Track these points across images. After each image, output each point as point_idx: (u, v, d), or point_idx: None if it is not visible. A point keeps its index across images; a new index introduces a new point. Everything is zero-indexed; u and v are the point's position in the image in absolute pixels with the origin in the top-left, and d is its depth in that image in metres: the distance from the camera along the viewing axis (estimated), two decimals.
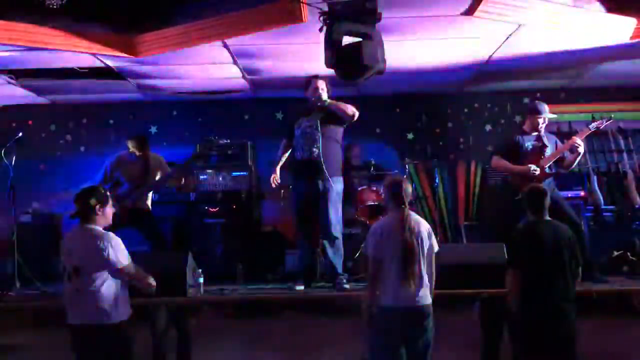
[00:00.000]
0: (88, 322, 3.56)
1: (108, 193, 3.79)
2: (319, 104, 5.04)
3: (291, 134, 5.24)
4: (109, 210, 3.72)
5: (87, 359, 3.62)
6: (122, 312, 3.63)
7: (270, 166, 5.41)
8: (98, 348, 3.56)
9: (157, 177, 5.68)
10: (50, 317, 4.66)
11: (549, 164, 5.24)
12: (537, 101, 5.61)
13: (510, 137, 5.45)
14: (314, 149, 4.97)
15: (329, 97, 5.10)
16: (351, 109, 5.05)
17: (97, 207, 3.64)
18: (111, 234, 3.64)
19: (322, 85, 5.07)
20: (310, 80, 5.13)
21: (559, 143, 5.38)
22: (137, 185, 5.57)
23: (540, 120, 5.30)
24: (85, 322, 3.57)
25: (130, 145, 5.72)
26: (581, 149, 5.18)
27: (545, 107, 5.36)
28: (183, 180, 5.75)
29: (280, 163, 5.37)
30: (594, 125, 5.30)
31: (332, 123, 5.09)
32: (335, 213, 5.04)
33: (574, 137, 5.24)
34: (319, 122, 5.01)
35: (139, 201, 5.57)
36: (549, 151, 5.27)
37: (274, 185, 5.33)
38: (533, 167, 5.15)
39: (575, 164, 5.31)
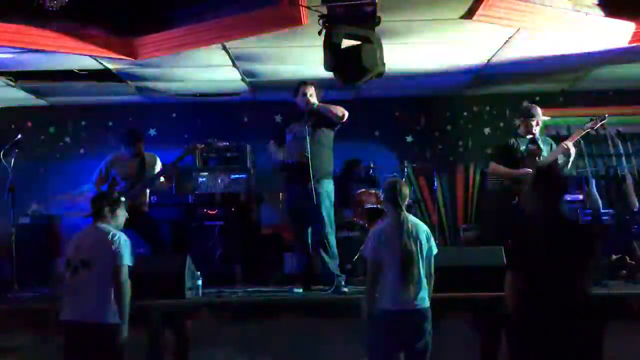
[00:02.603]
0: (85, 320, 3.58)
1: (122, 198, 3.90)
2: (308, 108, 5.09)
3: (282, 138, 5.28)
4: (121, 213, 3.85)
5: (79, 356, 3.62)
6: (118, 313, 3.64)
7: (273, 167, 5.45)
8: (91, 346, 3.57)
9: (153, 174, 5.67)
10: (48, 319, 4.65)
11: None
12: (530, 104, 5.64)
13: (505, 142, 5.47)
14: (305, 154, 5.01)
15: (318, 101, 5.15)
16: (340, 110, 5.12)
17: (107, 209, 3.78)
18: (122, 233, 3.76)
19: (310, 90, 5.13)
20: (298, 87, 5.18)
21: (554, 146, 5.39)
22: (133, 183, 5.57)
23: (534, 123, 5.32)
24: (82, 319, 3.59)
25: (124, 142, 5.73)
26: (572, 152, 5.20)
27: (538, 110, 5.38)
28: (174, 179, 5.72)
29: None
30: (587, 126, 5.32)
31: (323, 127, 5.17)
32: (327, 213, 5.07)
33: (564, 141, 5.27)
34: (309, 127, 5.06)
35: (136, 200, 5.55)
36: (544, 154, 5.29)
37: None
38: (529, 170, 5.16)
39: (568, 167, 5.32)
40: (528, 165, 5.21)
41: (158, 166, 5.74)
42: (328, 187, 5.14)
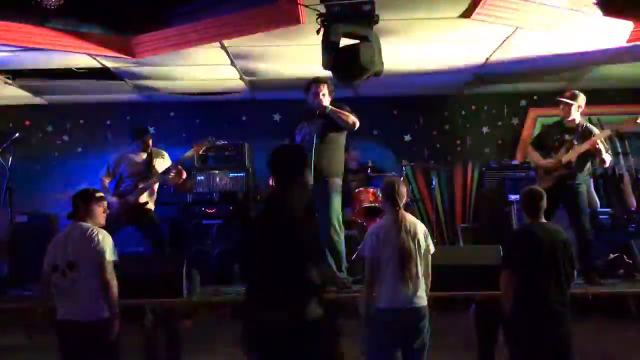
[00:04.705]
0: (79, 319, 3.59)
1: (98, 194, 3.84)
2: (319, 111, 4.99)
3: (293, 138, 5.21)
4: (98, 210, 3.80)
5: (75, 354, 3.63)
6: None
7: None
8: (87, 343, 3.59)
9: (160, 171, 5.63)
10: (45, 318, 4.66)
11: (569, 159, 5.08)
12: (574, 91, 5.32)
13: (545, 129, 5.39)
14: (313, 157, 4.92)
15: (332, 99, 5.06)
16: (352, 119, 4.92)
17: (83, 207, 3.75)
18: (103, 230, 3.73)
19: (323, 89, 4.94)
20: (310, 84, 5.06)
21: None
22: (140, 179, 5.53)
23: (574, 109, 5.10)
24: (76, 318, 3.60)
25: (131, 138, 5.71)
26: (602, 148, 4.99)
27: (581, 96, 5.15)
28: (184, 175, 5.67)
29: None
30: (621, 127, 5.21)
31: (334, 130, 5.00)
32: (335, 214, 5.01)
33: (594, 138, 5.05)
34: (319, 129, 4.97)
35: (141, 197, 5.52)
36: (576, 146, 5.08)
37: None
38: (552, 162, 5.11)
39: (607, 163, 5.10)
40: (556, 156, 5.11)
41: (167, 161, 5.71)
42: (337, 187, 5.02)
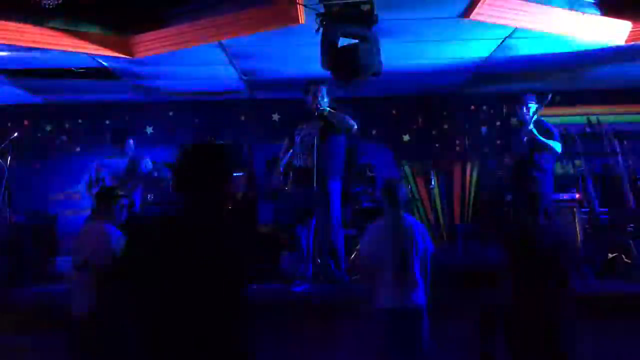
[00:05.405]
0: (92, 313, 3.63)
1: (117, 193, 3.97)
2: (317, 113, 5.01)
3: (292, 138, 5.23)
4: (116, 210, 3.91)
5: (85, 350, 3.66)
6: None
7: (270, 167, 5.42)
8: (99, 338, 3.62)
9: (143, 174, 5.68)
10: (45, 318, 4.65)
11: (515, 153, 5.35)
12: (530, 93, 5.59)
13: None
14: (312, 159, 4.94)
15: (330, 100, 5.07)
16: (349, 123, 5.00)
17: (102, 206, 3.89)
18: (117, 230, 3.81)
19: (321, 91, 5.02)
20: (309, 86, 5.09)
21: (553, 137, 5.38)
22: (123, 182, 5.56)
23: (523, 111, 5.37)
24: (89, 312, 3.63)
25: (111, 142, 5.74)
26: (533, 130, 5.20)
27: (525, 98, 5.40)
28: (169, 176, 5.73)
29: (283, 163, 5.35)
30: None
31: (333, 131, 5.06)
32: (335, 214, 5.03)
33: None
34: (318, 130, 4.98)
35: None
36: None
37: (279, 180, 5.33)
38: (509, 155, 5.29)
39: (549, 147, 5.28)
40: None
41: (147, 164, 5.74)
42: (336, 188, 5.07)
